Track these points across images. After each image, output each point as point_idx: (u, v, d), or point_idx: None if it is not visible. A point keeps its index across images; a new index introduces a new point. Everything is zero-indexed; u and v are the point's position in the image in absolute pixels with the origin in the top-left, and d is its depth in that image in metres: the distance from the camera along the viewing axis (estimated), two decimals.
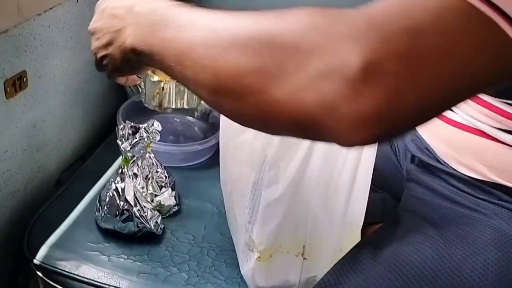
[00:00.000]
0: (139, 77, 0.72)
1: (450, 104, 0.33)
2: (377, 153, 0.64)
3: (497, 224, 0.56)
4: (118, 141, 0.75)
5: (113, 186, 0.76)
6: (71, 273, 0.72)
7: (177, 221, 0.82)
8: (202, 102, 0.78)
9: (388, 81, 0.30)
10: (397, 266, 0.55)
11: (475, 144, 0.58)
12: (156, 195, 0.82)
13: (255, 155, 0.65)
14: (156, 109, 1.02)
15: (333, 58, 0.30)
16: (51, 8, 0.82)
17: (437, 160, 0.63)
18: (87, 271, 0.72)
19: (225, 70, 0.35)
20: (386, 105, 0.30)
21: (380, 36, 0.30)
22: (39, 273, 0.73)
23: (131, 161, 0.76)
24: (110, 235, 0.77)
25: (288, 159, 0.62)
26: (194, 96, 0.72)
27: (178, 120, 1.07)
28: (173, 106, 0.75)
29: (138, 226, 0.75)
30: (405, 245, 0.57)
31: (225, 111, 0.38)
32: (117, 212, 0.75)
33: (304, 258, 0.67)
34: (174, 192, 0.84)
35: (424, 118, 0.33)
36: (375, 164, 0.63)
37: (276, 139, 0.62)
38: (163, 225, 0.79)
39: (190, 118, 1.07)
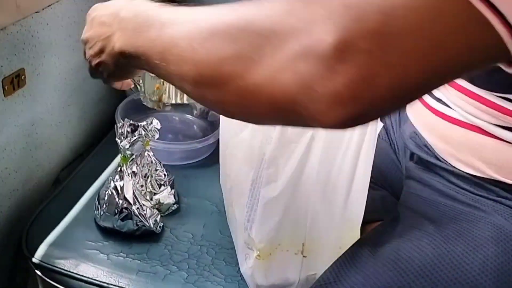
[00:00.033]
0: (133, 81, 0.73)
1: (427, 87, 0.34)
2: (377, 150, 0.64)
3: (496, 220, 0.56)
4: (117, 139, 0.76)
5: (112, 185, 0.76)
6: (70, 271, 0.72)
7: (177, 220, 0.82)
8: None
9: (361, 59, 0.30)
10: (396, 263, 0.56)
11: (473, 140, 0.59)
12: (155, 193, 0.82)
13: (253, 153, 0.65)
14: (155, 107, 1.02)
15: (308, 38, 0.31)
16: (49, 6, 0.82)
17: (436, 157, 0.64)
18: (86, 270, 0.72)
19: (206, 59, 0.36)
20: (361, 84, 0.31)
21: (354, 15, 0.30)
22: (38, 272, 0.73)
23: (130, 159, 0.77)
24: (109, 234, 0.77)
25: (286, 157, 0.62)
26: None
27: (177, 118, 1.07)
28: (173, 101, 0.76)
29: (137, 225, 0.76)
30: (404, 242, 0.58)
31: (209, 103, 0.39)
32: (116, 211, 0.75)
33: (303, 256, 0.67)
34: (173, 191, 0.84)
35: (402, 100, 0.34)
36: (374, 162, 0.63)
37: (274, 137, 0.62)
38: (162, 224, 0.79)
39: (189, 116, 1.07)
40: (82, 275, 0.72)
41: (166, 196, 0.83)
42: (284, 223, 0.65)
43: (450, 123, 0.61)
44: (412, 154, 0.69)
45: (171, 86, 0.73)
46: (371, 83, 0.31)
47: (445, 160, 0.62)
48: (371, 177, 0.63)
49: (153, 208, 0.79)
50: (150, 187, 0.81)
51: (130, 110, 0.99)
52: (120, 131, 0.76)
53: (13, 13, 0.73)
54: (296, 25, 0.32)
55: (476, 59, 0.32)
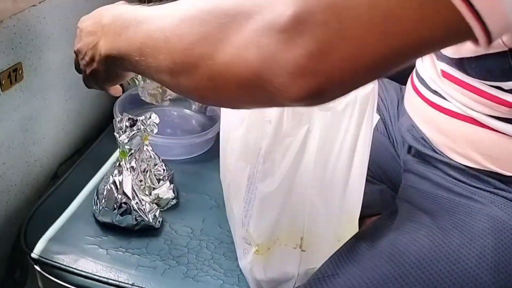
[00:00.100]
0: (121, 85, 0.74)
1: (387, 62, 0.34)
2: (375, 145, 0.65)
3: (493, 212, 0.58)
4: (115, 133, 0.77)
5: (111, 179, 0.77)
6: (69, 266, 0.73)
7: (176, 214, 0.83)
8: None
9: (318, 31, 0.32)
10: (393, 255, 0.57)
11: (468, 132, 0.60)
12: (154, 188, 0.83)
13: (250, 148, 0.66)
14: (153, 101, 1.03)
15: (269, 13, 0.34)
16: None
17: (433, 149, 0.65)
18: (85, 265, 0.73)
19: (178, 46, 0.38)
20: (319, 55, 0.32)
21: None
22: (37, 267, 0.74)
23: (128, 154, 0.78)
24: (108, 229, 0.78)
25: (282, 151, 0.63)
26: None
27: (175, 113, 1.08)
28: (173, 94, 0.76)
29: (136, 219, 0.77)
30: (401, 235, 0.59)
31: (186, 90, 0.42)
32: (115, 206, 0.76)
33: (302, 250, 0.68)
34: (172, 185, 0.85)
35: (363, 75, 0.35)
36: (373, 157, 0.64)
37: (270, 131, 0.62)
38: (161, 218, 0.80)
39: (188, 111, 1.08)
40: (81, 270, 0.72)
41: (165, 191, 0.84)
42: (282, 218, 0.66)
43: (446, 115, 0.62)
44: (410, 148, 0.70)
45: None
46: (328, 54, 0.32)
47: (442, 152, 0.64)
48: (370, 171, 0.64)
49: (152, 203, 0.80)
50: (149, 182, 0.83)
51: (129, 104, 1.01)
52: (118, 126, 0.76)
53: (10, 6, 0.73)
54: (259, 1, 0.34)
55: (435, 34, 0.33)
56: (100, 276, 0.72)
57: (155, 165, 0.84)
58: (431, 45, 0.34)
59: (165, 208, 0.84)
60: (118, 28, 0.46)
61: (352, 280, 0.56)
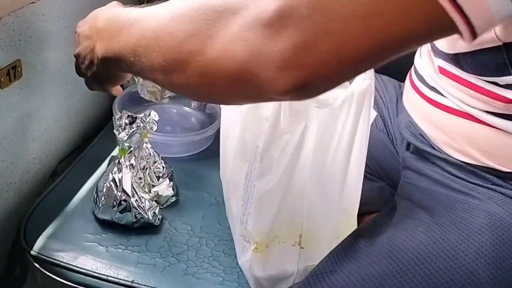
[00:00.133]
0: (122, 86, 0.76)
1: (371, 56, 0.35)
2: (375, 142, 0.66)
3: (490, 208, 0.58)
4: (115, 131, 0.77)
5: (110, 177, 0.78)
6: (68, 264, 0.73)
7: (175, 212, 0.84)
8: None
9: (302, 24, 0.33)
10: (391, 252, 0.58)
11: (465, 128, 0.60)
12: (153, 186, 0.84)
13: (247, 146, 0.66)
14: (153, 99, 1.04)
15: (255, 8, 0.35)
16: None
17: (431, 146, 0.65)
18: (85, 262, 0.74)
19: (169, 43, 0.40)
20: (304, 49, 0.33)
21: None
22: (37, 265, 0.74)
23: (128, 152, 0.79)
24: (108, 226, 0.79)
25: (280, 149, 0.63)
26: None
27: (174, 110, 1.09)
28: (171, 94, 0.77)
29: (136, 217, 0.78)
30: (399, 231, 0.60)
31: (178, 88, 0.43)
32: (115, 203, 0.77)
33: (301, 247, 0.68)
34: (172, 183, 0.86)
35: (347, 69, 0.35)
36: (372, 154, 0.64)
37: (267, 129, 0.63)
38: (161, 216, 0.81)
39: (187, 109, 1.09)
40: (81, 268, 0.73)
41: (164, 188, 0.84)
42: (280, 215, 0.66)
43: (444, 111, 0.63)
44: (408, 144, 0.71)
45: None
46: (312, 48, 0.33)
47: (440, 149, 0.64)
48: (369, 168, 0.64)
49: (152, 201, 0.80)
50: (149, 179, 0.83)
51: (128, 102, 1.01)
52: (118, 123, 0.77)
53: (8, 3, 0.73)
54: None
55: (418, 28, 0.33)
56: (99, 274, 0.73)
57: (155, 162, 0.84)
58: (415, 39, 0.35)
59: (165, 205, 0.85)
60: (112, 31, 0.48)
61: (350, 277, 0.57)
